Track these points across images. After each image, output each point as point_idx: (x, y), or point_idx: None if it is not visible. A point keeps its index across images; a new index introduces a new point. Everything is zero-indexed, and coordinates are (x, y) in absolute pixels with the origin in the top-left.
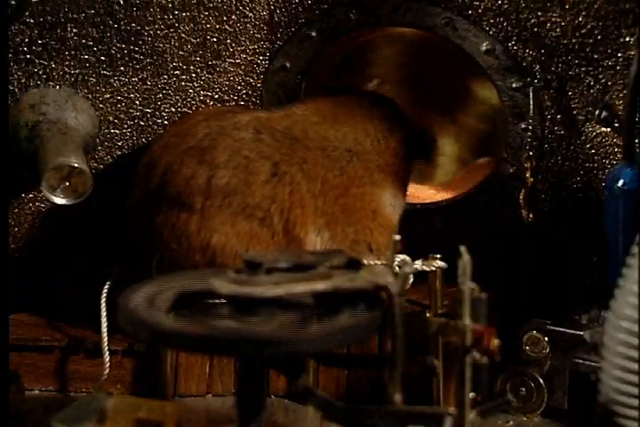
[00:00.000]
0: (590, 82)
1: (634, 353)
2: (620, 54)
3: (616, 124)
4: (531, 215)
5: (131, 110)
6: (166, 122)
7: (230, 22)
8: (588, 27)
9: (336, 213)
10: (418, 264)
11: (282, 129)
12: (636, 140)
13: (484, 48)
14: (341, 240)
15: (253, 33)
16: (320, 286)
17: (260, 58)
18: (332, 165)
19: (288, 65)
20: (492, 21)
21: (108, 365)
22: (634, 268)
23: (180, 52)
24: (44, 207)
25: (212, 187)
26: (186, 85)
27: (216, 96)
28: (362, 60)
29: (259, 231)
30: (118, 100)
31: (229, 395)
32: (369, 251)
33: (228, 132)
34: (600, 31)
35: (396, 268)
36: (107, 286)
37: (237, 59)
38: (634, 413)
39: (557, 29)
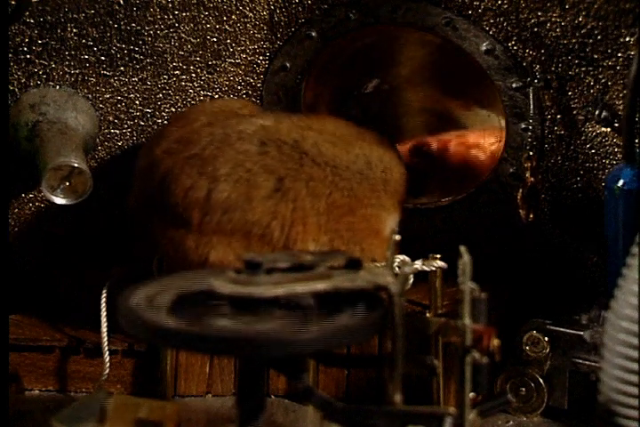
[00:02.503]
0: (590, 82)
1: (634, 353)
2: (620, 54)
3: (616, 124)
4: (531, 215)
5: (131, 110)
6: (166, 122)
7: (230, 22)
8: (588, 27)
9: (341, 231)
10: (418, 264)
11: (290, 142)
12: (636, 140)
13: (483, 48)
14: None
15: (253, 33)
16: (320, 285)
17: (260, 58)
18: (343, 184)
19: (288, 65)
20: (492, 21)
21: (108, 365)
22: (634, 268)
23: (180, 52)
24: (43, 207)
25: (212, 201)
26: (186, 85)
27: (216, 96)
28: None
29: (257, 248)
30: (118, 100)
31: (229, 395)
32: None
33: (231, 143)
34: (600, 31)
35: (396, 268)
36: (106, 286)
37: (237, 59)
38: (634, 413)
39: (557, 29)
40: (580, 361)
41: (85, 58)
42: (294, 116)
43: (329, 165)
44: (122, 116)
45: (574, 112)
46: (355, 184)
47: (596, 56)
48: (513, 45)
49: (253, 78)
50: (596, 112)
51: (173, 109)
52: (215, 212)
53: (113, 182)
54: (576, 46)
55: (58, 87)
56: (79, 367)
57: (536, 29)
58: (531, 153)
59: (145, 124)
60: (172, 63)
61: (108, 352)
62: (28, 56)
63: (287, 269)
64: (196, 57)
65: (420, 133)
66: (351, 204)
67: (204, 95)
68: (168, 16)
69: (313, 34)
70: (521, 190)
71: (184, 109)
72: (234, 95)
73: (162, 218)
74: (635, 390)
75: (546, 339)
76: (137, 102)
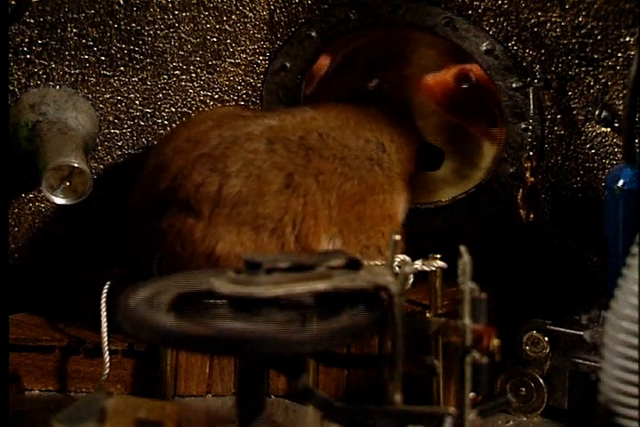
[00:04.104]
0: (590, 82)
1: (634, 353)
2: (620, 54)
3: (616, 124)
4: (531, 215)
5: (131, 110)
6: (166, 122)
7: (230, 22)
8: (588, 27)
9: (350, 221)
10: (418, 264)
11: (296, 139)
12: (636, 140)
13: (483, 48)
14: (354, 246)
15: (253, 33)
16: (320, 285)
17: (260, 58)
18: (352, 174)
19: (288, 65)
20: (492, 21)
21: (108, 365)
22: (634, 268)
23: (180, 52)
24: (43, 207)
25: (223, 195)
26: (186, 85)
27: (216, 96)
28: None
29: (267, 242)
30: (118, 100)
31: (229, 395)
32: (379, 254)
33: (240, 143)
34: (600, 31)
35: (396, 268)
36: (106, 287)
37: (237, 59)
38: (634, 413)
39: (557, 29)
40: (580, 361)
41: (85, 58)
42: (297, 111)
43: (337, 158)
44: (122, 116)
45: (574, 112)
46: (364, 172)
47: (596, 56)
48: (513, 45)
49: (253, 78)
50: (596, 112)
51: (173, 109)
52: (225, 205)
53: (113, 182)
54: (576, 46)
55: (58, 87)
56: (79, 367)
57: (536, 29)
58: (531, 153)
59: (145, 124)
60: (172, 63)
61: (107, 352)
62: (28, 56)
63: (287, 269)
64: (196, 57)
65: (422, 133)
66: (362, 192)
67: (203, 95)
68: (168, 16)
69: (313, 34)
70: (521, 190)
71: (191, 116)
72: (234, 95)
73: (171, 214)
74: (635, 390)
75: (546, 339)
76: (137, 102)
